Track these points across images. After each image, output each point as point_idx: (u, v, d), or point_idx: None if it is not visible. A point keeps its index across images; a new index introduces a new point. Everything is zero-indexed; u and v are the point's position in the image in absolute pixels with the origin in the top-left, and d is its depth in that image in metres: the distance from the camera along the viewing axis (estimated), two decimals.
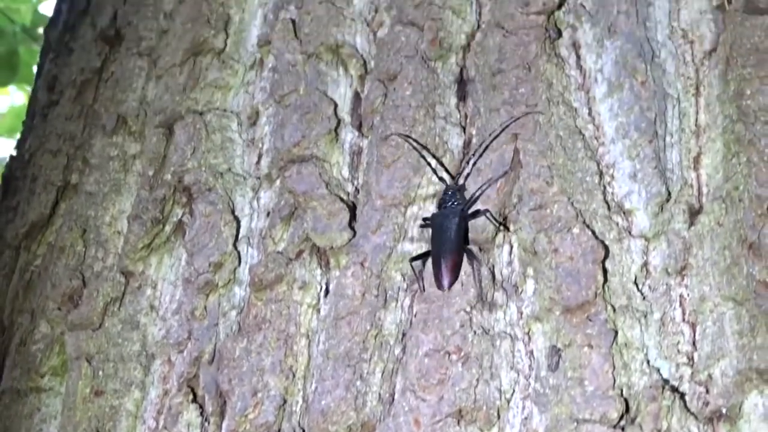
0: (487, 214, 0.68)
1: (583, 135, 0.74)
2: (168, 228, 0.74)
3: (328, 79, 0.79)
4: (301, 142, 0.76)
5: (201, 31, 0.86)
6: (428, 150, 0.73)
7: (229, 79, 0.83)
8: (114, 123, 0.83)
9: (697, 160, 0.73)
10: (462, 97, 0.77)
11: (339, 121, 0.78)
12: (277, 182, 0.76)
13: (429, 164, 0.73)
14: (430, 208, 0.74)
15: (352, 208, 0.75)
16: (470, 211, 0.69)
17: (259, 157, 0.79)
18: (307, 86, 0.78)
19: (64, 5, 1.03)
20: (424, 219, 0.71)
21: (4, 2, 1.61)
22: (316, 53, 0.80)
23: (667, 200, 0.71)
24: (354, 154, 0.78)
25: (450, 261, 0.67)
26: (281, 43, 0.82)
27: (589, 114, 0.75)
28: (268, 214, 0.75)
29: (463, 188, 0.72)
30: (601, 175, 0.72)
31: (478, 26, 0.80)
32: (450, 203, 0.70)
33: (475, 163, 0.73)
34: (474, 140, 0.76)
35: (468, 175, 0.73)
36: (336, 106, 0.78)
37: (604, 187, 0.72)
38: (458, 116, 0.77)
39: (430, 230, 0.69)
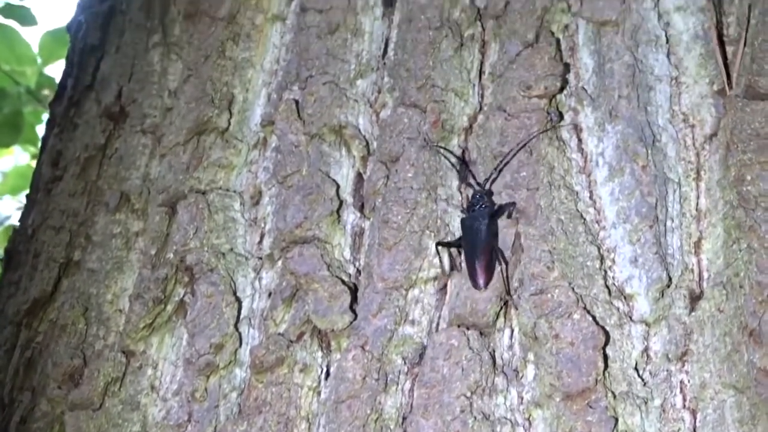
0: (511, 209, 0.90)
1: (584, 219, 0.93)
2: (170, 307, 0.93)
3: (330, 160, 1.00)
4: (303, 223, 0.95)
5: (205, 111, 1.07)
6: (456, 156, 0.94)
7: (232, 158, 1.04)
8: (117, 200, 1.04)
9: (698, 245, 0.92)
10: (464, 179, 0.98)
11: (341, 203, 0.98)
12: (279, 263, 0.95)
13: (457, 170, 0.95)
14: (431, 291, 0.93)
15: (354, 291, 0.93)
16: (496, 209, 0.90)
17: (262, 236, 0.99)
18: (309, 167, 0.99)
19: (69, 80, 1.27)
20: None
21: (9, 64, 1.92)
22: (319, 134, 1.01)
23: (668, 285, 0.89)
24: (356, 235, 0.97)
25: (484, 261, 0.87)
26: (284, 123, 1.02)
27: (590, 198, 0.95)
28: (270, 294, 0.94)
29: (490, 193, 0.93)
30: (602, 259, 0.91)
31: (480, 108, 1.00)
32: (478, 206, 0.91)
33: (501, 171, 0.94)
34: None
35: (494, 180, 0.94)
36: (338, 187, 0.98)
37: (605, 272, 0.90)
38: (460, 199, 0.97)
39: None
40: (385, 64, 1.06)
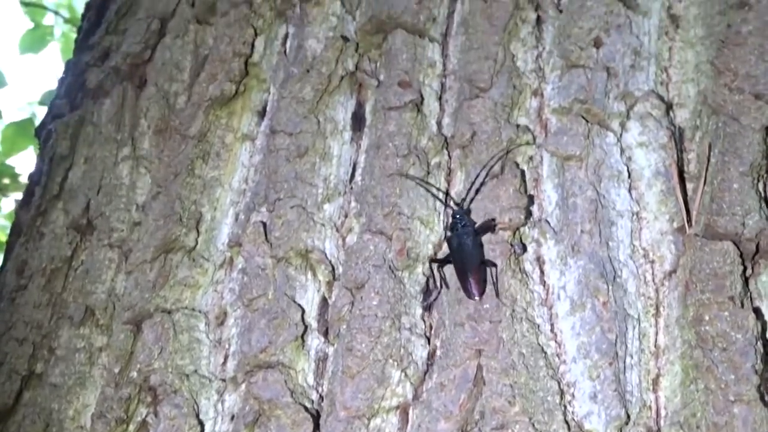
0: (494, 224, 1.16)
1: (546, 353, 1.13)
2: (132, 428, 1.10)
3: (296, 284, 1.21)
4: (267, 348, 1.15)
5: (173, 229, 1.27)
6: (431, 184, 1.21)
7: (198, 277, 1.25)
8: (82, 314, 1.24)
9: (656, 382, 1.12)
10: (427, 307, 1.19)
11: (306, 327, 1.17)
12: (243, 387, 1.13)
13: (434, 195, 1.21)
14: (393, 421, 1.12)
15: (316, 417, 1.12)
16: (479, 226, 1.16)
17: (225, 358, 1.18)
18: (275, 291, 1.20)
19: (37, 188, 1.49)
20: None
21: None
22: (285, 257, 1.22)
23: (626, 423, 1.08)
24: (320, 360, 1.17)
25: (475, 273, 1.13)
26: (252, 246, 1.23)
27: (552, 331, 1.15)
28: (233, 418, 1.12)
29: (469, 211, 1.20)
30: (562, 394, 1.10)
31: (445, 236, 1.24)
32: (461, 224, 1.16)
33: (478, 191, 1.21)
34: (438, 352, 1.16)
35: (472, 200, 1.21)
36: (303, 311, 1.18)
37: (565, 407, 1.10)
38: (423, 327, 1.17)
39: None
40: (352, 188, 1.29)
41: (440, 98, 1.33)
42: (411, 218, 1.23)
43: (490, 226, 1.19)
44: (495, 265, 1.15)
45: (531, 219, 1.23)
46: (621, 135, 1.26)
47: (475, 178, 1.23)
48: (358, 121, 1.34)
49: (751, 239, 1.16)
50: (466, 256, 1.15)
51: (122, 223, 1.36)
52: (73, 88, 1.60)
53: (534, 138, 1.27)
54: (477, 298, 1.13)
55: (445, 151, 1.28)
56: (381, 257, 1.20)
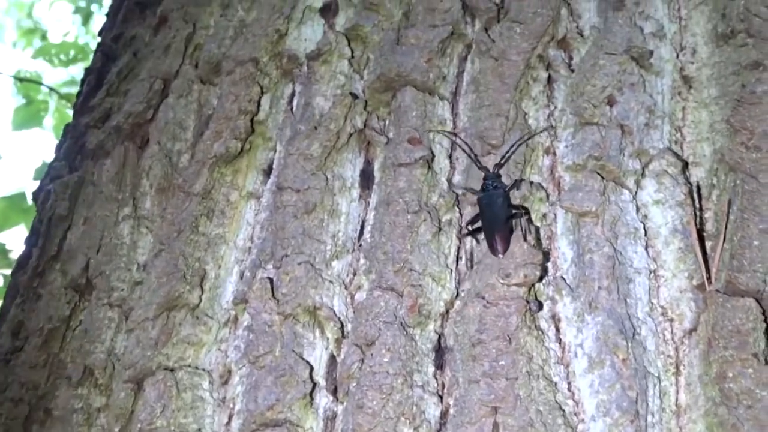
0: (520, 183, 1.44)
1: (564, 411, 1.29)
2: None
3: (304, 341, 1.37)
4: (275, 405, 1.30)
5: (176, 287, 1.44)
6: (467, 144, 1.48)
7: (202, 335, 1.42)
8: (80, 374, 1.40)
9: None
10: (440, 365, 1.35)
11: (314, 385, 1.33)
12: None
13: (469, 156, 1.49)
14: None
15: None
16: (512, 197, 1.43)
17: (230, 417, 1.33)
18: (282, 348, 1.36)
19: (34, 250, 1.69)
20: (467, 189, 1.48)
21: None
22: (293, 314, 1.38)
23: None
24: (328, 419, 1.32)
25: (502, 232, 1.39)
26: (258, 302, 1.41)
27: (569, 389, 1.31)
28: None
29: (499, 175, 1.46)
30: None
31: (458, 294, 1.40)
32: (492, 186, 1.42)
33: (509, 157, 1.48)
34: (452, 410, 1.31)
35: (502, 165, 1.47)
36: (312, 369, 1.35)
37: None
38: (435, 385, 1.33)
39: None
40: (361, 245, 1.47)
41: (450, 156, 1.53)
42: (422, 275, 1.41)
43: (518, 183, 1.47)
44: (526, 211, 1.44)
45: (546, 277, 1.41)
46: (636, 193, 1.45)
47: (509, 150, 1.50)
48: (366, 178, 1.54)
49: None
50: (495, 214, 1.41)
51: (123, 282, 1.54)
52: (72, 150, 1.82)
53: (547, 195, 1.47)
54: (501, 255, 1.38)
55: (457, 209, 1.48)
56: (392, 314, 1.38)
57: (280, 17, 1.70)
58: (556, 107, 1.55)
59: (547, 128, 1.51)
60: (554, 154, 1.50)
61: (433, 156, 1.51)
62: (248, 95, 1.62)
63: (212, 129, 1.61)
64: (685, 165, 1.47)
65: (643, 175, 1.46)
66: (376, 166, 1.54)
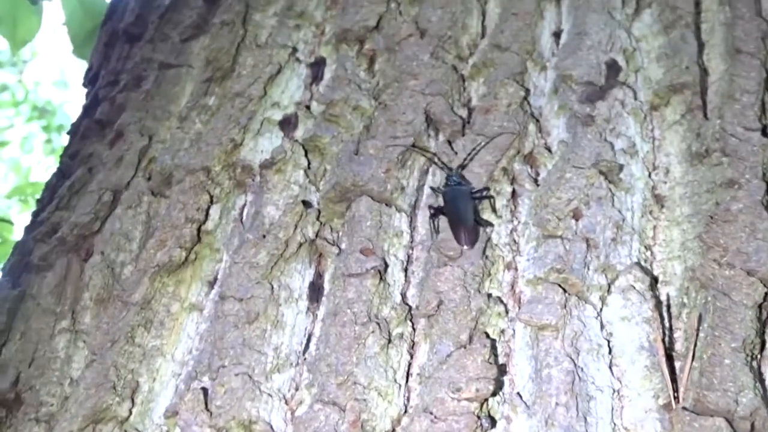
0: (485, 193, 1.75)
1: None
2: None
3: None
4: None
5: (105, 398, 1.58)
6: (429, 151, 1.79)
7: None
8: None
9: None
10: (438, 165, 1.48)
11: None
12: None
13: (430, 159, 1.80)
14: None
15: None
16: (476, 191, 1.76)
17: None
18: None
19: None
20: (433, 188, 1.82)
21: None
22: (226, 427, 1.51)
23: None
24: None
25: (469, 224, 1.70)
26: (189, 414, 1.55)
27: None
28: None
29: (461, 174, 1.79)
30: None
31: (405, 410, 1.56)
32: (455, 184, 1.74)
33: (472, 158, 1.81)
34: None
35: (465, 167, 1.81)
36: None
37: None
38: None
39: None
40: (305, 359, 1.65)
41: (406, 269, 1.74)
42: (368, 388, 1.58)
43: (484, 191, 1.77)
44: (491, 225, 1.75)
45: (501, 394, 1.58)
46: (601, 309, 1.65)
47: (473, 150, 1.86)
48: (315, 291, 1.74)
49: (745, 418, 1.47)
50: (461, 210, 1.72)
51: (53, 397, 1.71)
52: (17, 266, 2.05)
53: (506, 311, 1.67)
54: (467, 246, 1.69)
55: (409, 322, 1.67)
56: (332, 429, 1.52)
57: (236, 127, 1.97)
58: (519, 221, 1.77)
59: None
60: (515, 268, 1.71)
61: (387, 267, 1.72)
62: (197, 204, 1.86)
63: (157, 237, 1.83)
64: (654, 281, 1.66)
65: (608, 291, 1.65)
66: (327, 277, 1.74)
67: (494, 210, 1.78)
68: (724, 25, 2.06)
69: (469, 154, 1.79)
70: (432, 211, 1.76)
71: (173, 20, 2.33)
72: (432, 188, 1.82)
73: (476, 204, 1.75)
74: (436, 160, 1.83)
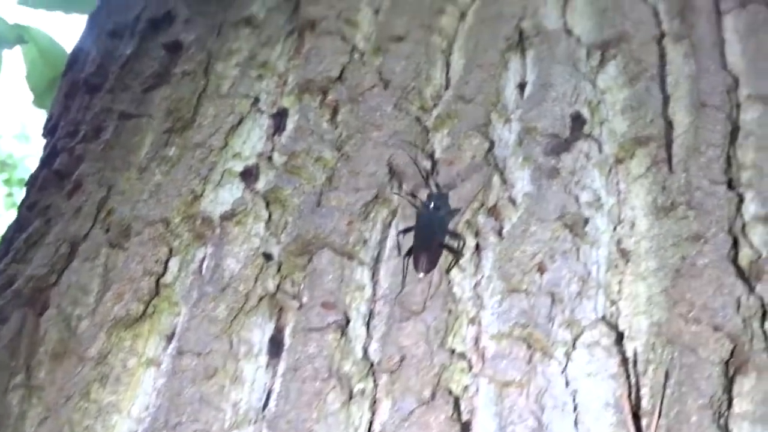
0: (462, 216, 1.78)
1: None
2: None
3: None
4: None
5: None
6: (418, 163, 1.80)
7: None
8: None
9: None
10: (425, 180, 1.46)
11: None
12: None
13: (421, 173, 1.81)
14: None
15: None
16: (451, 225, 1.79)
17: None
18: None
19: None
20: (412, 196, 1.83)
21: None
22: None
23: None
24: None
25: (431, 251, 1.74)
26: None
27: None
28: None
29: (447, 197, 1.79)
30: None
31: None
32: (435, 205, 1.76)
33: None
34: None
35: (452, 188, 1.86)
36: None
37: None
38: None
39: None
40: (264, 416, 1.64)
41: (368, 323, 1.74)
42: None
43: (458, 211, 1.82)
44: (461, 241, 1.80)
45: None
46: (566, 365, 1.65)
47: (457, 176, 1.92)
48: (276, 346, 1.73)
49: None
50: (428, 234, 1.76)
51: None
52: None
53: (470, 366, 1.67)
54: (422, 274, 1.74)
55: (371, 378, 1.66)
56: None
57: (196, 178, 1.97)
58: (483, 275, 1.77)
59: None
60: (479, 323, 1.71)
61: (348, 321, 1.71)
62: (155, 256, 1.85)
63: (114, 291, 1.82)
64: (620, 336, 1.67)
65: (573, 346, 1.65)
66: (287, 331, 1.73)
67: (458, 260, 1.79)
68: (689, 77, 2.08)
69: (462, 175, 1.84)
70: (401, 234, 1.83)
71: (134, 70, 2.33)
72: (411, 196, 1.87)
73: (447, 229, 1.81)
74: (423, 173, 1.90)
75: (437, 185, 1.84)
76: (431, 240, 1.74)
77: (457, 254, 1.75)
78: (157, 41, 2.40)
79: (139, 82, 2.32)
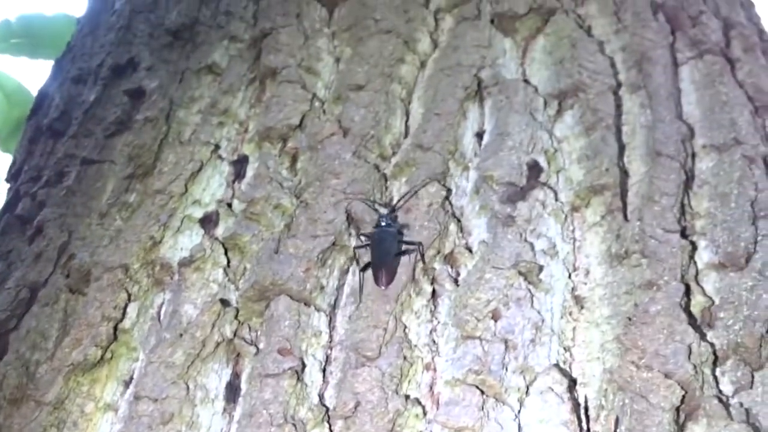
0: (420, 248, 1.88)
1: None
2: None
3: None
4: None
5: None
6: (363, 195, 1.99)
7: None
8: None
9: None
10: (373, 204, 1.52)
11: None
12: None
13: (365, 202, 1.94)
14: None
15: None
16: (404, 239, 1.91)
17: None
18: None
19: None
20: (363, 235, 1.94)
21: None
22: None
23: None
24: None
25: (389, 267, 1.84)
26: None
27: None
28: None
29: (396, 216, 1.94)
30: None
31: None
32: (386, 224, 1.88)
33: (407, 200, 1.96)
34: None
35: (398, 208, 1.98)
36: None
37: None
38: None
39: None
40: None
41: (324, 369, 1.79)
42: None
43: (415, 243, 1.92)
44: (419, 246, 1.91)
45: None
46: (519, 411, 1.71)
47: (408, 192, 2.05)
48: (232, 391, 1.78)
49: None
50: (385, 249, 1.87)
51: None
52: None
53: (424, 413, 1.72)
54: (384, 287, 1.84)
55: (326, 423, 1.71)
56: None
57: (155, 224, 2.03)
58: (439, 322, 1.84)
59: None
60: (434, 369, 1.77)
61: (304, 367, 1.77)
62: (114, 302, 1.90)
63: (72, 336, 1.87)
64: (573, 383, 1.73)
65: (527, 392, 1.71)
66: (244, 377, 1.79)
67: (423, 261, 1.91)
68: (644, 127, 2.17)
69: (406, 194, 1.99)
70: (355, 252, 1.95)
71: (97, 116, 2.40)
72: (363, 235, 1.96)
73: (401, 241, 1.91)
74: (370, 202, 2.00)
75: (387, 205, 1.99)
76: (388, 254, 1.85)
77: (415, 260, 1.91)
78: (120, 88, 2.47)
79: (101, 128, 2.38)
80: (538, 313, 1.82)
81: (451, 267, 1.93)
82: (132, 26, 2.67)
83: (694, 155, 2.16)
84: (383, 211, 1.95)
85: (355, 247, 1.93)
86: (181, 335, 1.83)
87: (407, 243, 1.89)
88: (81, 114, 2.46)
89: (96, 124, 2.40)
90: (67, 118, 2.52)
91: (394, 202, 2.00)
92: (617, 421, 1.66)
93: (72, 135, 2.42)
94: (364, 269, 1.88)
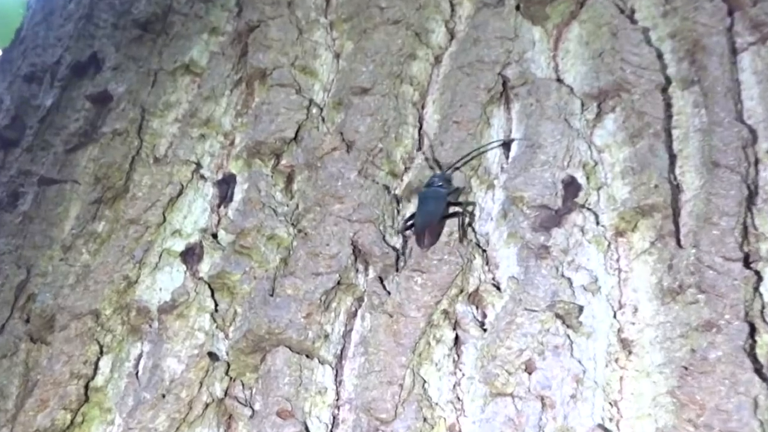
0: (469, 208, 2.05)
1: None
2: None
3: None
4: None
5: None
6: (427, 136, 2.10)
7: None
8: None
9: None
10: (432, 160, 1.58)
11: None
12: None
13: (423, 153, 2.14)
14: None
15: None
16: (454, 199, 2.04)
17: None
18: None
19: None
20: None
21: None
22: None
23: None
24: None
25: (432, 228, 1.97)
26: None
27: None
28: None
29: (451, 178, 2.05)
30: None
31: None
32: (436, 185, 2.00)
33: (464, 164, 2.09)
34: None
35: (456, 169, 2.09)
36: None
37: None
38: None
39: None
40: None
41: (331, 431, 1.81)
42: None
43: (460, 190, 2.07)
44: (469, 207, 2.04)
45: None
46: None
47: (463, 157, 2.12)
48: None
49: None
50: (431, 210, 1.97)
51: None
52: None
53: None
54: (425, 249, 1.96)
55: None
56: None
57: (130, 261, 2.03)
58: (464, 374, 1.84)
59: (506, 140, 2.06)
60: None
61: None
62: (84, 356, 1.90)
63: (36, 396, 1.87)
64: None
65: None
66: None
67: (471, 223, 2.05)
68: (699, 131, 2.13)
69: (462, 158, 2.05)
70: (404, 227, 2.08)
71: (56, 124, 2.38)
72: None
73: (448, 204, 2.02)
74: (431, 160, 2.14)
75: (440, 166, 2.10)
76: (433, 215, 1.97)
77: (469, 219, 2.06)
78: (82, 91, 2.45)
79: (61, 140, 2.37)
80: (579, 362, 1.81)
81: (477, 308, 1.92)
82: (93, 15, 2.65)
83: (757, 163, 2.10)
84: (437, 171, 2.09)
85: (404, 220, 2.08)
86: (163, 396, 1.83)
87: (456, 204, 2.02)
88: (36, 122, 2.45)
89: (54, 135, 2.38)
90: (19, 125, 2.50)
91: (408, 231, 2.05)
92: None
93: (26, 148, 2.40)
94: (406, 228, 2.04)
